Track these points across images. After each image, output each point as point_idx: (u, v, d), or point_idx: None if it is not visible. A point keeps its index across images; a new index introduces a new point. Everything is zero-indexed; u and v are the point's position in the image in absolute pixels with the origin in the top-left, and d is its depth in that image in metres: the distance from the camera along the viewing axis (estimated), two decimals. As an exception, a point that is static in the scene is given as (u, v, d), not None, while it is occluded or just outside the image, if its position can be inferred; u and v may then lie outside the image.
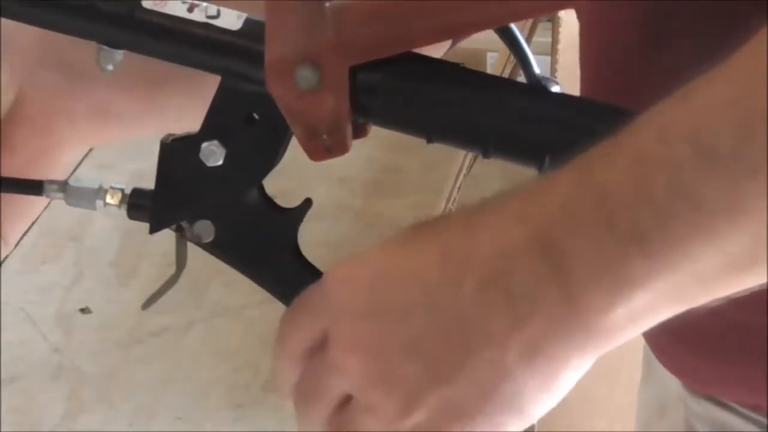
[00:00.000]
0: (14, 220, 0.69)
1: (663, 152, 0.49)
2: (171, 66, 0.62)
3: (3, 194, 0.67)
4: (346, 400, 0.58)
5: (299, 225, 0.64)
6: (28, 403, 2.24)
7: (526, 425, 0.55)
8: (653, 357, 0.86)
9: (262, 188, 0.64)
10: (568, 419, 1.77)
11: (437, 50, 0.75)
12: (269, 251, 0.64)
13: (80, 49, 0.64)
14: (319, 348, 0.58)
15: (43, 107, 0.68)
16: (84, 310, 2.44)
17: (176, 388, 2.28)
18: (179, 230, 0.64)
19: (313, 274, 0.64)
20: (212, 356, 2.33)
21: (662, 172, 0.49)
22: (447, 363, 0.54)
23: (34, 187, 0.66)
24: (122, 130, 0.69)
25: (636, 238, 0.50)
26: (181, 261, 0.67)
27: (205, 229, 0.64)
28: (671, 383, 0.83)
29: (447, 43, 0.77)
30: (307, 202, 0.64)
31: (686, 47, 0.67)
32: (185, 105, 0.62)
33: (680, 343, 0.77)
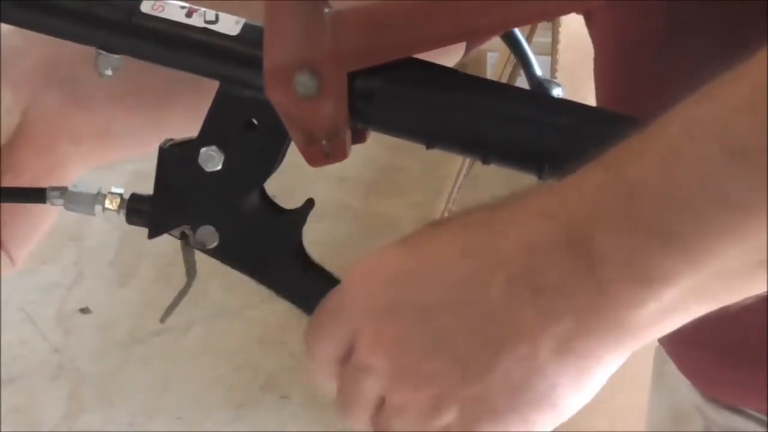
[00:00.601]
0: (20, 240, 0.69)
1: (692, 150, 0.49)
2: (173, 84, 0.62)
3: (8, 217, 0.68)
4: (382, 402, 0.58)
5: (302, 226, 0.64)
6: (28, 403, 2.24)
7: (559, 422, 0.55)
8: (666, 365, 0.86)
9: (263, 191, 0.64)
10: (569, 419, 1.76)
11: (450, 58, 0.75)
12: (274, 254, 0.64)
13: (82, 70, 0.64)
14: (349, 352, 0.58)
15: (47, 128, 0.68)
16: (84, 310, 2.44)
17: (176, 388, 2.28)
18: (183, 238, 0.64)
19: (319, 274, 0.64)
20: (212, 356, 2.33)
21: (691, 169, 0.49)
22: (476, 361, 0.53)
23: (36, 195, 0.66)
24: (124, 149, 0.69)
25: (664, 234, 0.50)
26: (191, 270, 0.66)
27: (209, 235, 0.63)
28: (686, 392, 0.83)
29: (461, 51, 0.76)
30: (309, 203, 0.64)
31: (697, 47, 0.67)
32: (188, 122, 0.62)
33: (703, 352, 0.76)
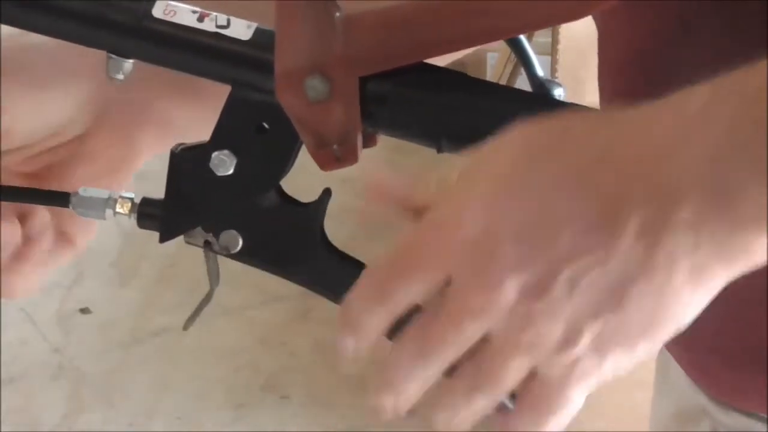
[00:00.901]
0: (83, 226, 0.71)
1: None
2: None
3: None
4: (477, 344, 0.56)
5: (323, 216, 0.64)
6: (28, 403, 2.24)
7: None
8: (670, 366, 0.86)
9: (279, 188, 0.64)
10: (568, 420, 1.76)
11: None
12: (299, 248, 0.64)
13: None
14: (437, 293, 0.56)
15: (125, 117, 0.69)
16: (84, 310, 2.45)
17: (176, 388, 2.28)
18: (206, 245, 0.64)
19: (348, 263, 0.64)
20: (212, 356, 2.33)
21: None
22: (611, 295, 0.53)
23: (60, 198, 0.66)
24: (183, 137, 0.69)
25: None
26: (214, 277, 0.67)
27: (232, 239, 0.64)
28: (691, 393, 0.82)
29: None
30: (327, 193, 0.64)
31: (709, 42, 0.67)
32: None
33: (710, 356, 0.76)
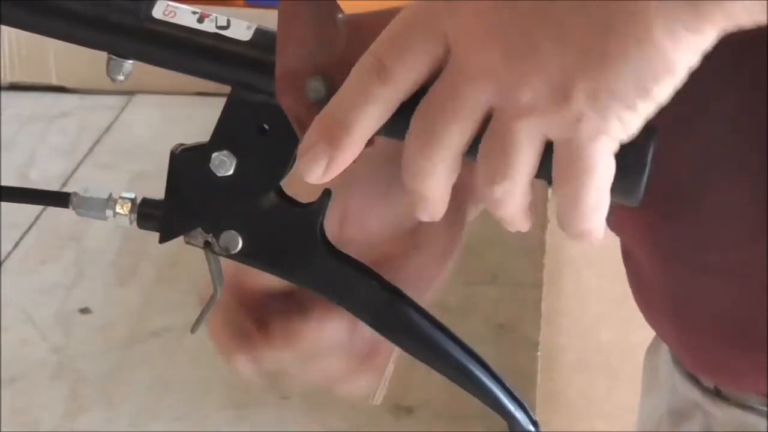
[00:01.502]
0: None
1: None
2: None
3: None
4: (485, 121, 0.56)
5: (323, 217, 0.64)
6: (28, 403, 2.24)
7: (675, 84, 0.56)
8: (660, 368, 0.86)
9: (280, 189, 0.65)
10: (568, 419, 1.77)
11: None
12: (299, 250, 0.64)
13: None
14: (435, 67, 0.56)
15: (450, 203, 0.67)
16: (84, 310, 2.45)
17: (176, 388, 2.28)
18: (207, 246, 0.65)
19: (349, 264, 0.64)
20: (212, 356, 2.33)
21: None
22: (595, 45, 0.53)
23: (59, 199, 0.66)
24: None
25: None
26: (217, 278, 0.67)
27: (232, 240, 0.64)
28: (682, 389, 0.83)
29: None
30: (327, 194, 0.64)
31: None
32: None
33: (715, 335, 0.76)
